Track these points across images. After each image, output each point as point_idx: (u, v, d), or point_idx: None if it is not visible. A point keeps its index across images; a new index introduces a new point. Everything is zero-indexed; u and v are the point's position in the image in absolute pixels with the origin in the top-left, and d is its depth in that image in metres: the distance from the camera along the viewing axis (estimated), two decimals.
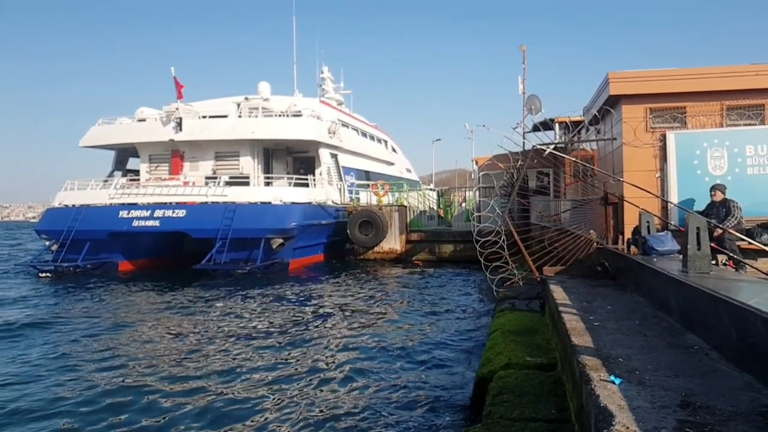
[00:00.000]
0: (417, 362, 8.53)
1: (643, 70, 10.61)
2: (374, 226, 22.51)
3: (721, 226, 8.13)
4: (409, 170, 43.09)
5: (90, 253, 20.52)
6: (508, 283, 10.56)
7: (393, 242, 23.20)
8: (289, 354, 9.07)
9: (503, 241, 10.47)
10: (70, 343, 10.03)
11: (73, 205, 21.36)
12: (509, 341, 6.80)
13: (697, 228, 5.85)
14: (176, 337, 10.29)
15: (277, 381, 7.71)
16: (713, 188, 8.98)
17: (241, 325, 11.31)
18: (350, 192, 26.25)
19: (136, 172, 25.44)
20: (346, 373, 8.04)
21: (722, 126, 10.10)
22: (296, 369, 8.25)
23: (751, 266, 7.61)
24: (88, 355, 9.18)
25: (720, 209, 8.70)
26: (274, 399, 7.02)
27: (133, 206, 20.66)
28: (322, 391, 7.32)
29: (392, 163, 37.58)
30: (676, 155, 9.97)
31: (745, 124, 10.08)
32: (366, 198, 26.22)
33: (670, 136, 10.01)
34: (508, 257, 10.40)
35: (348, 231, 22.64)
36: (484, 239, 10.77)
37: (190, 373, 8.10)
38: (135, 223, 20.03)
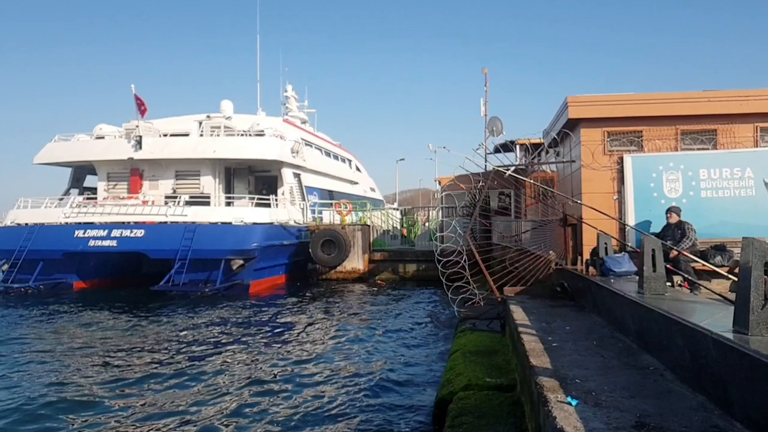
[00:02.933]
0: (377, 384, 8.42)
1: (601, 95, 10.84)
2: (337, 246, 22.38)
3: (676, 247, 8.30)
4: (373, 189, 43.17)
5: (43, 273, 19.89)
6: (470, 303, 10.56)
7: (356, 261, 23.09)
8: (244, 376, 8.85)
9: (465, 261, 10.49)
10: (10, 365, 9.65)
11: (26, 224, 20.69)
12: (469, 362, 6.77)
13: (653, 250, 5.94)
14: (125, 360, 9.96)
15: (231, 406, 7.50)
16: (669, 210, 9.17)
17: (196, 346, 11.02)
18: (313, 211, 26.08)
19: (94, 191, 24.83)
20: (304, 396, 7.88)
21: (677, 150, 10.36)
22: (251, 392, 8.05)
23: (705, 287, 7.76)
24: (29, 375, 8.82)
25: (675, 231, 8.88)
26: (226, 425, 6.82)
27: (90, 225, 20.11)
28: (279, 413, 7.15)
29: (356, 183, 37.55)
30: (633, 178, 10.17)
31: (698, 149, 10.36)
32: (329, 217, 26.06)
33: (627, 159, 10.21)
34: (469, 277, 10.41)
35: (310, 250, 22.43)
36: (446, 259, 10.77)
37: (136, 396, 7.84)
38: (91, 243, 19.47)
